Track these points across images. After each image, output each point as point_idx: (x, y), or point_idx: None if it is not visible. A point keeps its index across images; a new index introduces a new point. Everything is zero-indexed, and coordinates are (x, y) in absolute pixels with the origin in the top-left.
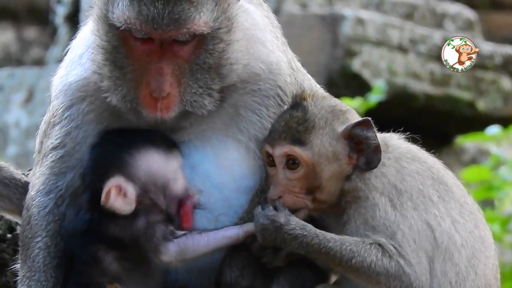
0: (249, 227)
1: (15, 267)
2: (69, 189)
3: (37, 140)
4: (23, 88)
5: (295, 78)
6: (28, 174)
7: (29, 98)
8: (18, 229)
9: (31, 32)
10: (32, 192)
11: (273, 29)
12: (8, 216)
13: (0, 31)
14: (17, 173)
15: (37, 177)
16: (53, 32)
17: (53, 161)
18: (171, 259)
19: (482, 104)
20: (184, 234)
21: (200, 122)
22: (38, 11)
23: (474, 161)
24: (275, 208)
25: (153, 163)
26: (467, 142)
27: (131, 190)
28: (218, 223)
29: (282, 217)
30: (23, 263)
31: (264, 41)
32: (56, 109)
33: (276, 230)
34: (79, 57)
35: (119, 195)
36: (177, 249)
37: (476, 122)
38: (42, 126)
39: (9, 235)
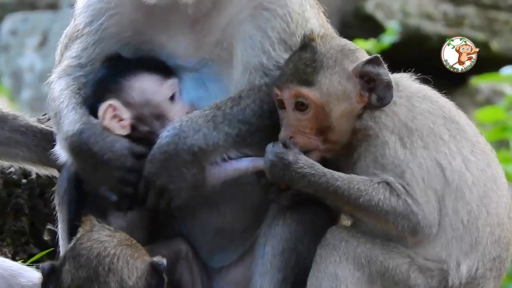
0: (259, 162)
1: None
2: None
3: (58, 53)
4: (37, 32)
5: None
6: (43, 119)
7: (43, 42)
8: (33, 174)
9: None
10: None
11: None
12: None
13: None
14: (33, 120)
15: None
16: None
17: (68, 65)
18: None
19: (496, 45)
20: None
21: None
22: None
23: (488, 101)
24: (285, 146)
25: (147, 87)
26: (481, 82)
27: (125, 113)
28: None
29: (291, 155)
30: None
31: None
32: (77, 25)
33: (284, 168)
34: None
35: (115, 117)
36: None
37: (490, 62)
38: (64, 40)
39: (24, 180)
